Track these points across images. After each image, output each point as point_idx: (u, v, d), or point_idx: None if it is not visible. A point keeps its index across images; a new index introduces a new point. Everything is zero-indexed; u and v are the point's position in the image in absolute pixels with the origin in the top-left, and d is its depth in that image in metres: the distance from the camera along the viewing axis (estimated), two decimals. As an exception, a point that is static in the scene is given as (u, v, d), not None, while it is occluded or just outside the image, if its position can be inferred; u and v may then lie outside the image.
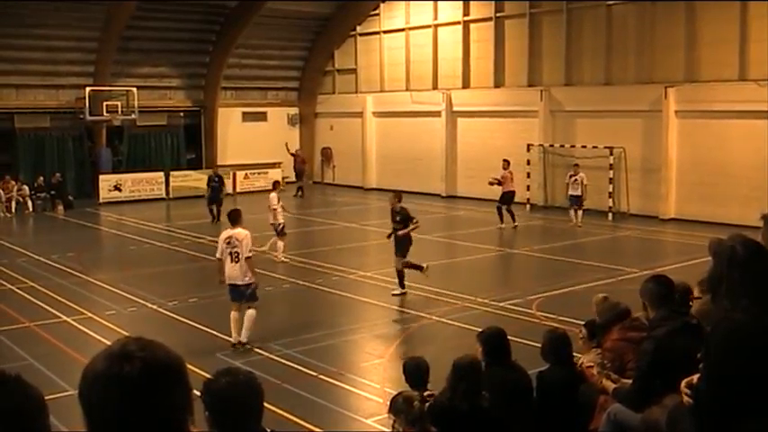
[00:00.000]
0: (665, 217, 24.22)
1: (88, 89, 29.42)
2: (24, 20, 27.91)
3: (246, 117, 35.32)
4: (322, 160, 36.96)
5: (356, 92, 35.17)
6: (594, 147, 25.26)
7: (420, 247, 19.79)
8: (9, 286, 15.95)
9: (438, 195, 30.52)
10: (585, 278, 15.95)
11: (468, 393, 5.63)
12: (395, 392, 6.49)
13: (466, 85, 30.56)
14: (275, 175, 30.14)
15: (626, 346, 6.05)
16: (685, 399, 3.44)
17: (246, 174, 33.49)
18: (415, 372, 6.26)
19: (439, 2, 31.27)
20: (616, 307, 6.56)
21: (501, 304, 14.01)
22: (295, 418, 8.79)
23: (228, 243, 11.51)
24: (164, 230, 24.00)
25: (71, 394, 8.13)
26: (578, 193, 23.01)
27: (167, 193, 31.21)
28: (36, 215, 27.73)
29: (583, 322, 6.91)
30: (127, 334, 2.33)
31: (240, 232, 11.55)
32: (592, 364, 6.05)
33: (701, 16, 23.52)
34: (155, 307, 14.24)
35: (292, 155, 33.09)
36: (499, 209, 22.60)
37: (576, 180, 23.13)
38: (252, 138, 34.45)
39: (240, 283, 11.52)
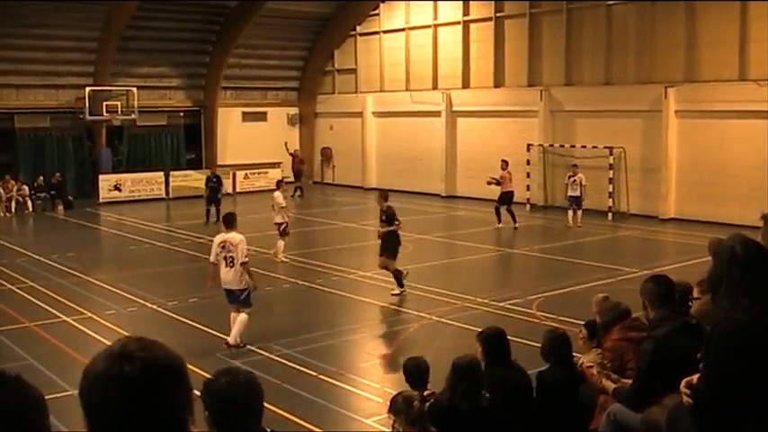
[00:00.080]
0: (665, 217, 24.23)
1: (88, 89, 29.43)
2: (24, 20, 27.91)
3: (246, 117, 35.33)
4: (322, 160, 36.96)
5: (356, 92, 35.17)
6: (594, 147, 25.26)
7: (420, 247, 19.84)
8: (9, 286, 15.95)
9: (438, 195, 30.53)
10: (585, 278, 15.94)
11: (467, 393, 5.63)
12: (395, 392, 6.49)
13: (466, 85, 30.56)
14: (275, 175, 30.15)
15: (626, 346, 6.05)
16: (685, 399, 3.44)
17: (246, 174, 33.51)
18: (415, 372, 6.26)
19: (439, 2, 31.28)
20: (616, 307, 6.56)
21: (501, 304, 14.01)
22: (295, 418, 8.79)
23: (223, 247, 11.42)
24: (164, 230, 24.01)
25: (71, 394, 8.14)
26: (577, 194, 23.00)
27: (167, 193, 31.21)
28: (36, 215, 27.73)
29: (583, 322, 6.90)
30: (127, 334, 2.33)
31: (235, 237, 11.45)
32: (592, 364, 6.05)
33: (701, 16, 23.53)
34: (155, 307, 14.24)
35: (291, 155, 33.08)
36: (497, 209, 22.57)
37: (574, 181, 23.12)
38: (252, 138, 34.46)
39: (235, 288, 11.46)
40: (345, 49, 35.70)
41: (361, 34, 34.85)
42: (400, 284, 14.84)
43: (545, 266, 18.31)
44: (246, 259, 11.43)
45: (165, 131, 33.61)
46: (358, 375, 10.70)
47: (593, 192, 24.19)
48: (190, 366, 1.95)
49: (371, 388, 10.18)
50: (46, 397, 1.98)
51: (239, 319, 11.42)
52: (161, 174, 31.39)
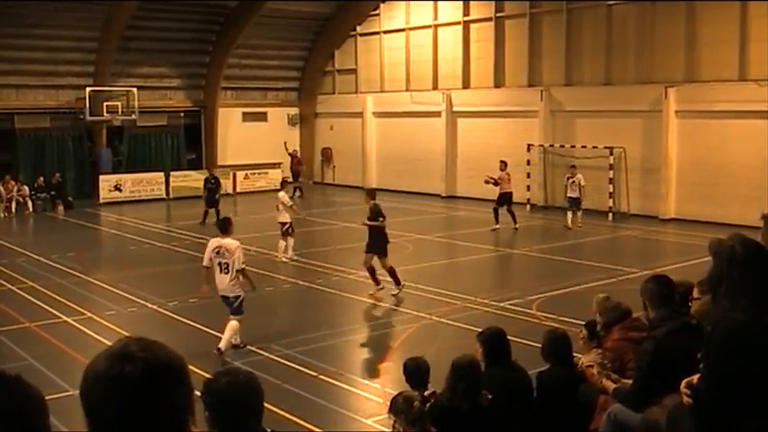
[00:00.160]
0: (665, 217, 24.23)
1: (88, 89, 29.43)
2: (24, 20, 27.91)
3: (246, 117, 35.33)
4: (322, 160, 36.96)
5: (356, 92, 35.17)
6: (594, 147, 25.26)
7: (420, 247, 19.85)
8: (9, 286, 15.95)
9: (438, 195, 30.53)
10: (586, 278, 15.95)
11: (467, 393, 5.63)
12: (395, 392, 6.49)
13: (466, 85, 30.56)
14: (275, 175, 30.18)
15: (626, 346, 6.05)
16: (685, 399, 3.44)
17: (246, 174, 33.50)
18: (415, 372, 6.26)
19: (439, 2, 31.28)
20: (617, 307, 6.56)
21: (501, 304, 14.01)
22: (295, 418, 8.79)
23: (218, 253, 11.26)
24: (164, 230, 24.00)
25: (71, 394, 8.15)
26: (576, 195, 22.94)
27: (167, 193, 31.20)
28: (36, 215, 27.72)
29: (583, 322, 6.91)
30: (127, 334, 2.32)
31: (230, 243, 11.29)
32: (592, 364, 6.06)
33: (701, 16, 23.53)
34: (155, 307, 14.24)
35: (290, 155, 33.05)
36: (495, 210, 22.53)
37: (573, 182, 23.07)
38: (252, 138, 34.47)
39: (230, 295, 11.38)
40: (345, 49, 35.70)
41: (361, 34, 34.85)
42: (397, 282, 14.83)
43: (545, 267, 18.31)
44: (244, 266, 11.33)
45: (166, 132, 33.61)
46: (358, 375, 10.71)
47: (594, 192, 24.19)
48: (190, 366, 1.95)
49: (371, 388, 10.19)
50: (46, 397, 1.98)
51: (229, 326, 11.32)
52: (161, 174, 31.38)
